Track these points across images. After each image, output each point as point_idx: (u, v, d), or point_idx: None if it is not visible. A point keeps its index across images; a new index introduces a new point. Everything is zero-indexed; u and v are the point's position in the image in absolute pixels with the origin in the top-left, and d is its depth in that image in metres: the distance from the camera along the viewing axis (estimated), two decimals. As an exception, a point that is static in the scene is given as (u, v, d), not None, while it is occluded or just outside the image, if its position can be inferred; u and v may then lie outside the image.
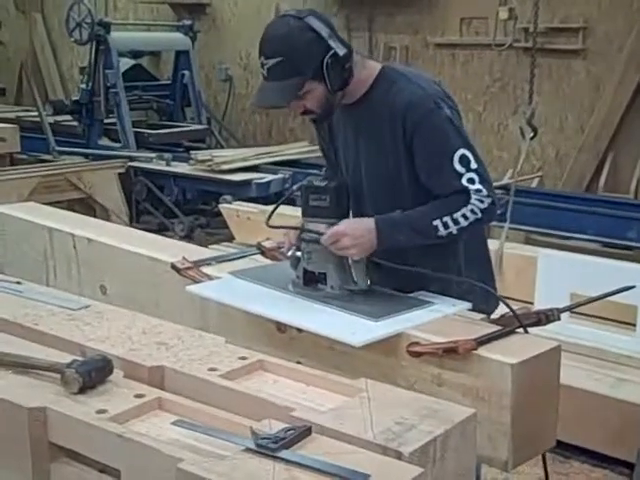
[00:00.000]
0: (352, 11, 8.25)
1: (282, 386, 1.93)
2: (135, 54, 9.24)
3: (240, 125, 9.52)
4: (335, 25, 2.33)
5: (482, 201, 2.26)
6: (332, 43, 2.24)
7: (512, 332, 2.12)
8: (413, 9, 8.00)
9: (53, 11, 11.11)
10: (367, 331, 2.13)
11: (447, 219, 2.25)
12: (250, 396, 1.79)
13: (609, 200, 6.21)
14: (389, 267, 2.31)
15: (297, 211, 2.45)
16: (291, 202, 3.52)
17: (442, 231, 2.26)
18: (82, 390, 1.79)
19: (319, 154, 2.70)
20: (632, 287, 2.41)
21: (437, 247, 2.33)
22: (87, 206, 6.97)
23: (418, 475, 1.48)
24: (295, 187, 2.46)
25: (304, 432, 1.58)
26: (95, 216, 6.14)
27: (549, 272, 3.96)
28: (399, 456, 1.54)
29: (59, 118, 8.83)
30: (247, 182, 7.05)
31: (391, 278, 2.37)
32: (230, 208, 6.08)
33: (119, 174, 7.31)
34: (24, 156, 8.15)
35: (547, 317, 2.20)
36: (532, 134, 4.69)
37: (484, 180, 2.27)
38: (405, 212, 2.31)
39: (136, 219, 7.63)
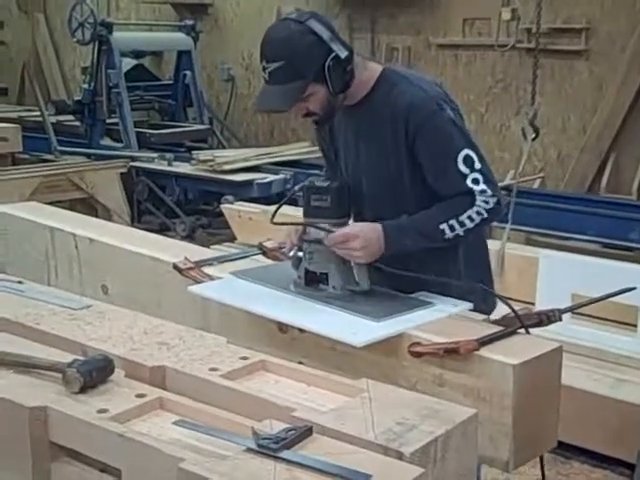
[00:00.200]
0: (354, 12, 8.26)
1: (283, 386, 1.93)
2: (137, 54, 9.25)
3: (242, 125, 9.52)
4: (337, 26, 2.33)
5: (487, 202, 2.26)
6: (333, 46, 2.24)
7: (514, 333, 2.12)
8: (415, 10, 8.00)
9: (55, 11, 11.13)
10: (368, 331, 2.13)
11: (453, 222, 2.25)
12: (251, 396, 1.79)
13: (611, 201, 6.21)
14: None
15: (299, 211, 2.45)
16: (293, 202, 3.52)
17: (449, 234, 2.26)
18: (83, 390, 1.79)
19: (320, 154, 2.70)
20: (633, 288, 2.40)
21: (438, 249, 2.33)
22: (89, 206, 6.98)
23: (419, 475, 1.48)
24: (297, 187, 2.46)
25: (305, 432, 1.58)
26: (97, 216, 6.14)
27: (550, 273, 3.96)
28: (400, 456, 1.54)
29: (61, 118, 8.84)
30: (249, 182, 7.05)
31: (391, 278, 2.37)
32: (232, 208, 6.08)
33: (121, 174, 7.31)
34: (26, 156, 8.16)
35: (548, 318, 2.20)
36: (534, 135, 4.68)
37: (488, 180, 2.27)
38: (411, 217, 2.31)
39: (138, 219, 7.64)
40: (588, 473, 3.53)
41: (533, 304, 3.78)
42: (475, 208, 2.25)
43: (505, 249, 4.52)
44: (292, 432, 1.57)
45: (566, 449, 3.45)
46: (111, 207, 7.12)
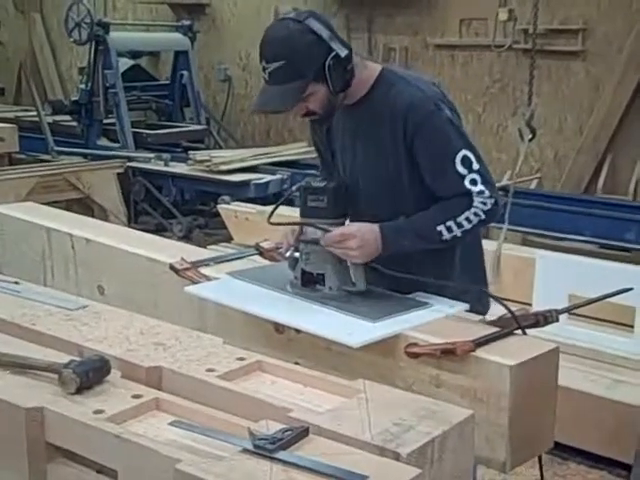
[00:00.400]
0: (352, 12, 8.26)
1: (280, 387, 1.93)
2: (134, 54, 9.24)
3: (239, 125, 9.52)
4: (334, 26, 2.33)
5: (485, 203, 2.26)
6: (333, 45, 2.23)
7: (510, 333, 2.12)
8: (413, 10, 8.00)
9: (52, 11, 11.12)
10: (365, 332, 2.13)
11: (451, 223, 2.25)
12: (248, 397, 1.79)
13: (607, 202, 6.21)
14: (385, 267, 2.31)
15: (296, 212, 2.45)
16: (290, 203, 3.52)
17: (446, 235, 2.26)
18: (79, 390, 1.79)
19: (316, 155, 2.70)
20: (630, 289, 2.41)
21: (435, 250, 2.33)
22: (85, 206, 6.97)
23: (416, 476, 1.47)
24: (295, 187, 2.46)
25: (302, 433, 1.58)
26: (93, 216, 6.13)
27: (547, 273, 3.97)
28: (397, 457, 1.54)
29: (58, 118, 8.83)
30: (245, 183, 7.05)
31: (388, 279, 2.37)
32: (228, 209, 6.08)
33: (117, 174, 7.30)
34: (23, 156, 8.15)
35: (545, 318, 2.20)
36: (531, 135, 4.68)
37: (486, 181, 2.27)
38: (409, 218, 2.31)
39: (134, 219, 7.63)
40: (585, 474, 3.53)
41: (530, 305, 3.78)
42: (473, 209, 2.26)
43: (502, 250, 4.52)
44: (288, 433, 1.57)
45: (563, 450, 3.45)
46: (108, 207, 7.11)
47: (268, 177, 7.15)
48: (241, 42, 9.23)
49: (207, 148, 8.46)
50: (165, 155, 7.67)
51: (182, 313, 2.59)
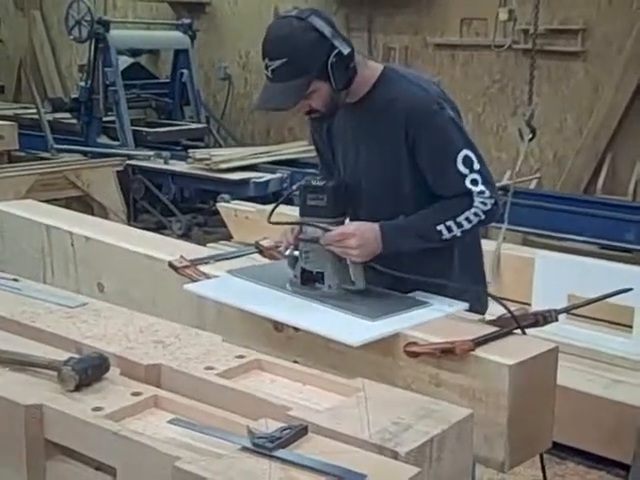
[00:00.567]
0: (352, 11, 8.26)
1: (279, 385, 1.92)
2: (134, 52, 9.24)
3: (239, 124, 9.52)
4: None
5: (485, 203, 2.26)
6: (336, 42, 2.23)
7: (510, 333, 2.12)
8: (413, 9, 8.00)
9: (52, 9, 11.11)
10: (364, 331, 2.13)
11: (451, 223, 2.26)
12: (247, 395, 1.79)
13: (607, 202, 6.22)
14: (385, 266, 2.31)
15: (296, 211, 2.45)
16: (289, 202, 3.52)
17: (446, 235, 2.27)
18: (78, 388, 1.78)
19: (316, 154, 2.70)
20: (630, 289, 2.41)
21: (433, 250, 2.33)
22: (85, 204, 6.96)
23: (414, 475, 1.47)
24: (295, 186, 2.46)
25: (300, 431, 1.58)
26: (93, 214, 6.13)
27: (547, 273, 3.97)
28: (395, 456, 1.53)
29: (58, 116, 8.83)
30: (245, 181, 7.05)
31: (387, 278, 2.37)
32: (228, 207, 6.08)
33: (117, 172, 7.30)
34: (22, 153, 8.15)
35: (545, 318, 2.20)
36: (531, 135, 4.69)
37: (487, 181, 2.27)
38: (408, 217, 2.31)
39: (134, 217, 7.64)
40: (583, 474, 3.53)
41: (529, 304, 3.78)
42: (473, 209, 2.26)
43: (501, 249, 4.52)
44: (287, 431, 1.56)
45: (561, 450, 3.45)
46: (107, 205, 7.11)
47: (268, 176, 7.15)
48: (241, 41, 9.23)
49: (207, 146, 8.46)
50: (165, 153, 7.67)
51: (181, 311, 2.59)
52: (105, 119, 8.38)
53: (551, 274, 3.93)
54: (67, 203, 6.54)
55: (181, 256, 2.69)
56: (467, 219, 2.26)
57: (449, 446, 1.63)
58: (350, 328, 2.15)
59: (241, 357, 2.00)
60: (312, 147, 2.71)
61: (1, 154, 7.70)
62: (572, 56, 7.12)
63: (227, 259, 2.76)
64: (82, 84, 8.41)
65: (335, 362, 2.17)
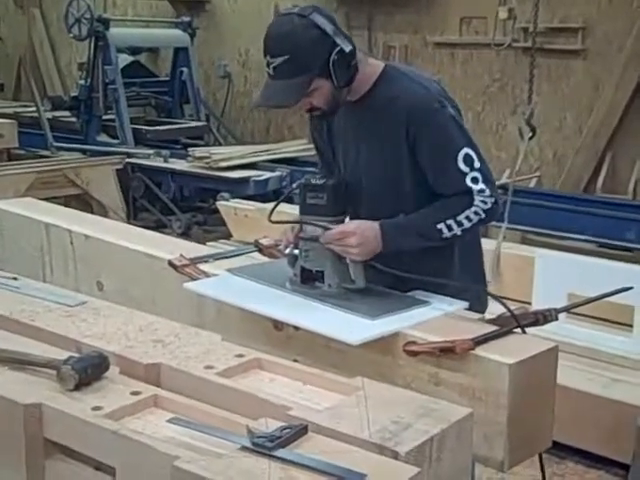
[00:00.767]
0: (352, 9, 8.26)
1: (279, 384, 1.92)
2: (134, 50, 9.24)
3: (239, 122, 9.52)
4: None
5: (485, 202, 2.26)
6: (337, 40, 2.23)
7: (510, 332, 2.12)
8: (412, 8, 8.00)
9: (52, 7, 11.11)
10: (364, 329, 2.13)
11: (451, 222, 2.25)
12: (246, 394, 1.79)
13: (607, 201, 6.22)
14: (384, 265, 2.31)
15: (295, 209, 2.44)
16: (289, 200, 3.51)
17: (446, 233, 2.26)
18: (78, 387, 1.78)
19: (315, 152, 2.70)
20: (630, 288, 2.40)
21: (433, 248, 2.33)
22: (84, 202, 6.96)
23: (414, 475, 1.47)
24: (295, 185, 2.46)
25: (300, 431, 1.57)
26: (92, 212, 6.14)
27: (547, 272, 3.96)
28: (395, 455, 1.53)
29: (57, 114, 8.83)
30: (245, 179, 7.05)
31: (386, 276, 2.36)
32: (228, 205, 6.07)
33: (117, 170, 7.30)
34: (22, 151, 8.15)
35: (545, 317, 2.20)
36: (531, 134, 4.68)
37: (487, 180, 2.27)
38: (409, 216, 2.31)
39: (133, 216, 7.63)
40: (582, 473, 3.53)
41: (529, 303, 3.78)
42: (473, 208, 2.25)
43: (501, 248, 4.52)
44: (287, 430, 1.56)
45: (561, 449, 3.45)
46: (107, 203, 7.11)
47: (267, 174, 7.15)
48: (241, 39, 9.22)
49: (206, 145, 8.45)
50: (164, 151, 7.67)
51: (181, 310, 2.59)
52: (105, 117, 8.38)
53: (551, 273, 3.93)
54: (66, 201, 6.55)
55: (181, 255, 2.69)
56: (467, 218, 2.26)
57: (449, 445, 1.63)
58: (350, 327, 2.15)
59: (241, 356, 2.00)
60: (312, 145, 2.70)
61: (1, 152, 7.70)
62: (572, 55, 7.12)
63: (227, 258, 2.76)
64: (82, 82, 8.41)
65: (335, 361, 2.17)
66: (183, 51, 8.79)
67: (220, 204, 6.20)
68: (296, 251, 2.42)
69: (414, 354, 2.08)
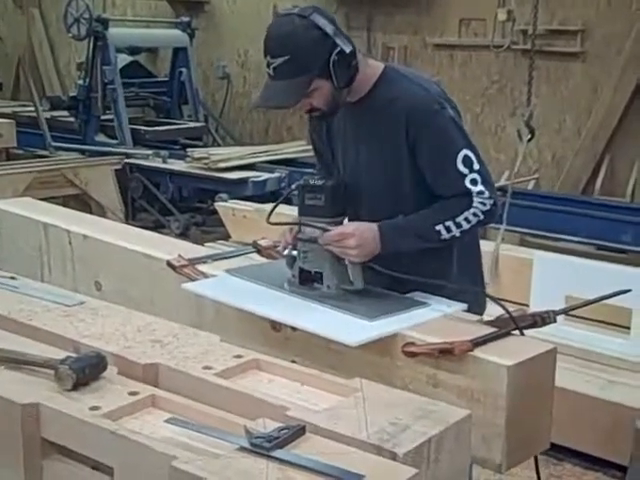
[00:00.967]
0: (351, 10, 8.26)
1: (277, 385, 1.92)
2: (133, 50, 9.23)
3: (237, 123, 9.51)
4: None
5: (484, 203, 2.26)
6: (338, 40, 2.23)
7: (508, 334, 2.12)
8: (412, 9, 8.00)
9: (51, 6, 11.11)
10: (362, 331, 2.13)
11: (450, 223, 2.25)
12: (245, 395, 1.79)
13: (605, 203, 6.22)
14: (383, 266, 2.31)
15: (294, 210, 2.44)
16: (288, 201, 3.51)
17: (445, 235, 2.26)
18: (75, 387, 1.78)
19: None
20: (628, 291, 2.40)
21: (431, 250, 2.32)
22: (83, 202, 6.96)
23: (412, 476, 1.47)
24: (294, 186, 2.46)
25: (298, 431, 1.57)
26: (91, 213, 6.13)
27: (545, 274, 3.96)
28: (393, 457, 1.53)
29: (56, 114, 8.82)
30: (243, 180, 7.05)
31: (385, 278, 2.36)
32: (226, 206, 6.07)
33: (115, 171, 7.30)
34: (20, 151, 8.15)
35: (543, 319, 2.19)
36: (529, 136, 4.69)
37: (486, 181, 2.27)
38: (407, 217, 2.30)
39: (132, 216, 7.63)
40: (580, 475, 3.53)
41: (527, 305, 3.78)
42: (472, 209, 2.25)
43: (499, 250, 4.52)
44: (285, 431, 1.56)
45: (558, 451, 3.45)
46: (105, 204, 7.10)
47: (266, 175, 7.15)
48: (240, 39, 9.23)
49: (205, 145, 8.45)
50: (163, 152, 7.67)
51: (179, 310, 2.59)
52: (103, 117, 8.37)
53: (549, 275, 3.93)
54: (65, 201, 6.54)
55: (179, 255, 2.69)
56: (466, 219, 2.26)
57: (447, 447, 1.63)
58: (348, 328, 2.15)
59: (239, 357, 2.00)
60: (310, 147, 2.70)
61: (-1, 152, 7.71)
62: (571, 57, 7.13)
63: (225, 258, 2.76)
64: (80, 82, 8.40)
65: (333, 362, 2.17)
66: (182, 51, 8.79)
67: (218, 205, 6.19)
68: (295, 252, 2.41)
69: (412, 355, 2.08)
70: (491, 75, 7.64)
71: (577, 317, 3.86)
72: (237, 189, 6.97)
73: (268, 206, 2.52)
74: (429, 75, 2.58)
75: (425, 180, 2.33)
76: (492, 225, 4.15)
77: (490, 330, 2.12)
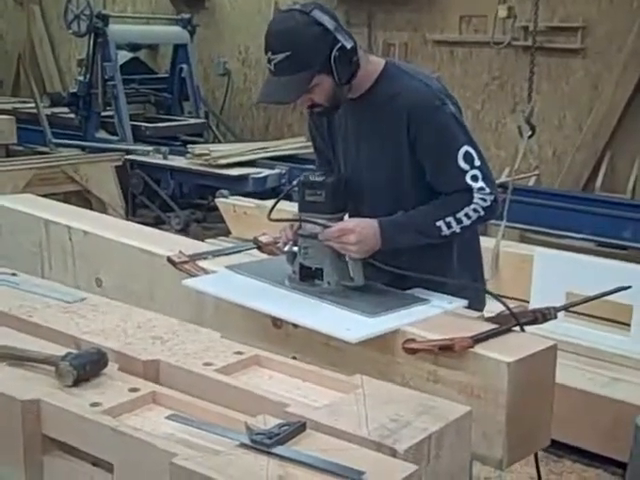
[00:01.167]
0: (352, 7, 8.25)
1: (277, 381, 1.92)
2: (133, 47, 9.23)
3: (238, 120, 9.51)
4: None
5: (485, 199, 2.26)
6: (339, 36, 2.23)
7: (509, 330, 2.12)
8: (412, 6, 7.99)
9: (51, 3, 11.10)
10: (363, 327, 2.13)
11: (450, 219, 2.25)
12: (245, 391, 1.79)
13: (605, 200, 6.22)
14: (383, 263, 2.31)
15: (294, 206, 2.44)
16: (288, 198, 3.51)
17: (445, 231, 2.26)
18: (76, 383, 1.78)
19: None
20: (628, 287, 2.41)
21: (432, 246, 2.32)
22: (83, 199, 6.96)
23: (412, 472, 1.47)
24: (295, 182, 2.45)
25: (299, 428, 1.57)
26: (91, 209, 6.12)
27: (545, 271, 3.96)
28: (394, 453, 1.53)
29: (56, 110, 8.83)
30: (244, 177, 7.05)
31: (385, 274, 2.36)
32: (226, 202, 6.07)
33: (116, 167, 7.30)
34: (20, 148, 8.15)
35: (544, 316, 2.19)
36: (530, 133, 4.69)
37: (487, 177, 2.27)
38: (408, 213, 2.30)
39: (132, 212, 7.63)
40: (580, 472, 3.53)
41: (527, 302, 3.78)
42: (472, 205, 2.25)
43: (500, 246, 4.52)
44: (286, 428, 1.56)
45: (558, 447, 3.45)
46: (106, 200, 7.10)
47: (266, 171, 7.15)
48: (240, 36, 9.22)
49: (206, 142, 8.45)
50: (164, 148, 7.67)
51: (180, 306, 2.59)
52: (104, 114, 8.37)
53: (550, 271, 3.93)
54: (65, 198, 6.54)
55: (180, 251, 2.69)
56: (466, 215, 2.26)
57: (447, 443, 1.63)
58: (348, 324, 2.15)
59: (239, 353, 2.00)
60: (310, 143, 2.70)
61: (-1, 148, 7.71)
62: (572, 53, 7.11)
63: (226, 254, 2.76)
64: (81, 79, 8.39)
65: (334, 358, 2.17)
66: (182, 48, 8.79)
67: (219, 201, 6.19)
68: (295, 248, 2.41)
69: (413, 352, 2.08)
70: (492, 71, 7.63)
71: (578, 313, 3.86)
72: (238, 185, 6.97)
73: (269, 202, 2.51)
74: (429, 71, 2.57)
75: (425, 176, 2.32)
76: (493, 221, 4.16)
77: (490, 326, 2.12)
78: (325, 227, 2.29)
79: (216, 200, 6.32)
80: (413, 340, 2.09)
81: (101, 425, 1.63)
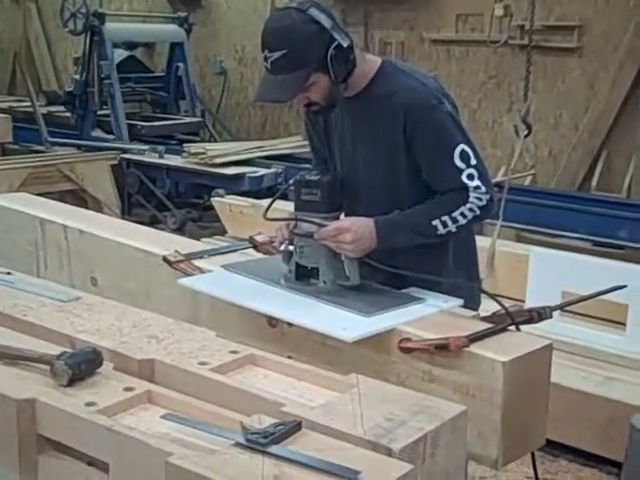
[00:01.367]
0: (348, 6, 8.25)
1: (273, 381, 1.92)
2: (129, 45, 9.22)
3: (234, 118, 9.50)
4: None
5: (480, 199, 2.26)
6: (335, 34, 2.22)
7: (504, 329, 2.12)
8: (409, 5, 7.99)
9: (48, 1, 11.08)
10: (358, 326, 2.13)
11: (446, 218, 2.25)
12: (240, 390, 1.78)
13: (601, 199, 6.22)
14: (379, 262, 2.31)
15: (290, 206, 2.44)
16: (284, 197, 3.51)
17: (441, 230, 2.26)
18: (71, 382, 1.78)
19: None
20: (624, 286, 2.40)
21: (427, 245, 2.32)
22: (79, 198, 6.95)
23: (408, 471, 1.47)
24: (291, 181, 2.45)
25: (294, 427, 1.57)
26: (87, 208, 6.11)
27: (541, 270, 3.97)
28: (389, 452, 1.53)
29: (52, 109, 8.82)
30: (240, 176, 7.05)
31: (381, 273, 2.36)
32: (222, 202, 6.07)
33: (112, 166, 7.28)
34: (16, 146, 8.14)
35: (539, 315, 2.19)
36: (526, 132, 4.69)
37: (483, 176, 2.27)
38: (404, 212, 2.30)
39: (128, 211, 7.63)
40: (576, 472, 3.54)
41: (523, 301, 3.78)
42: (468, 205, 2.25)
43: (496, 246, 4.52)
44: (281, 427, 1.56)
45: (554, 447, 3.46)
46: (101, 199, 7.09)
47: (263, 170, 7.15)
48: (237, 35, 9.21)
49: (202, 141, 8.45)
50: (160, 147, 7.66)
51: (175, 305, 2.59)
52: (100, 112, 8.37)
53: (545, 271, 3.93)
54: (61, 197, 6.52)
55: (175, 250, 2.69)
56: (462, 214, 2.26)
57: (443, 442, 1.63)
58: (344, 324, 2.15)
59: (235, 352, 2.00)
60: (307, 142, 2.70)
61: (-5, 147, 7.69)
62: (568, 52, 7.12)
63: (221, 254, 2.76)
64: (77, 77, 8.39)
65: (329, 358, 2.17)
66: (179, 46, 8.78)
67: (215, 200, 6.19)
68: (291, 247, 2.41)
69: (408, 351, 2.07)
70: (488, 70, 7.63)
71: (573, 313, 3.86)
72: (234, 184, 6.97)
73: (264, 202, 2.51)
74: (426, 70, 2.57)
75: (422, 175, 2.32)
76: (488, 221, 4.17)
77: (486, 326, 2.12)
78: (321, 226, 2.29)
79: (212, 199, 6.32)
80: (409, 339, 2.09)
81: (96, 425, 1.63)
